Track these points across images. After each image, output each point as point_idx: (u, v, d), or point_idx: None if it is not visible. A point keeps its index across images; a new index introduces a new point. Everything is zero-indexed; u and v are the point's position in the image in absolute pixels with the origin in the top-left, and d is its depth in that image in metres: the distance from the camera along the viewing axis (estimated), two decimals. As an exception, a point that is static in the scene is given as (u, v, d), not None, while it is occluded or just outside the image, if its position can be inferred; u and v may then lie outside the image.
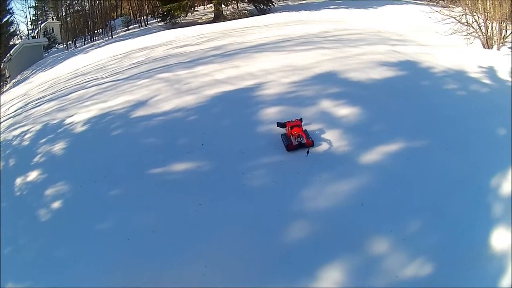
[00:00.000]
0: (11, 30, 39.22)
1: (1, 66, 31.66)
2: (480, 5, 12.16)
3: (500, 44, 11.69)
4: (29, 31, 47.77)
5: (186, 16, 32.39)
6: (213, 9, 32.65)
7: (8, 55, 32.91)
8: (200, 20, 32.20)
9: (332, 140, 6.10)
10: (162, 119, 7.77)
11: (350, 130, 6.32)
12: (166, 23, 31.95)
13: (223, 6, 31.42)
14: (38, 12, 49.71)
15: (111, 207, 5.51)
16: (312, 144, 5.98)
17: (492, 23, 11.82)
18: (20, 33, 45.04)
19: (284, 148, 6.07)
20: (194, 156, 6.22)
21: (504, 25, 11.70)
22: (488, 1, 11.95)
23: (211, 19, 31.06)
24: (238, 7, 33.87)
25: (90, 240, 4.98)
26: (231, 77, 9.39)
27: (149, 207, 5.31)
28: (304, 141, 5.94)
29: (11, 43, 37.56)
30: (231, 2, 31.72)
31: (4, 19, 35.18)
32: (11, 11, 37.49)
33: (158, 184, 5.78)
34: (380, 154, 5.67)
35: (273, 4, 31.44)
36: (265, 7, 30.52)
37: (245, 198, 5.17)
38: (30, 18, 50.36)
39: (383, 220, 4.53)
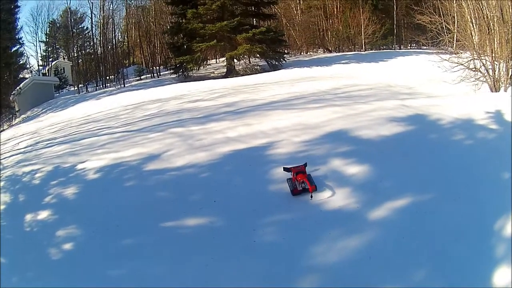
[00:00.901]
0: (21, 62, 39.61)
1: (10, 98, 31.88)
2: (487, 48, 12.39)
3: (508, 85, 11.86)
4: (40, 67, 48.20)
5: (198, 69, 32.53)
6: (225, 63, 33.02)
7: (18, 88, 33.18)
8: (212, 74, 32.40)
9: (342, 198, 6.24)
10: (175, 174, 7.90)
11: (359, 187, 6.46)
12: (178, 75, 32.08)
13: (235, 60, 31.61)
14: (49, 49, 50.17)
15: (123, 256, 5.64)
16: (315, 189, 6.50)
17: (500, 63, 12.02)
18: (30, 67, 45.58)
19: (296, 208, 6.23)
20: (206, 212, 6.34)
21: (511, 64, 11.90)
22: (495, 41, 12.19)
23: (223, 74, 31.34)
24: (250, 62, 34.07)
25: (101, 284, 5.10)
26: (243, 135, 9.55)
27: (161, 259, 5.43)
28: (308, 186, 6.48)
29: (20, 76, 37.89)
30: (243, 57, 31.87)
31: (14, 49, 35.57)
32: (21, 41, 37.97)
33: (171, 237, 5.90)
34: (388, 209, 5.81)
35: (284, 60, 31.63)
36: (277, 63, 30.71)
37: (256, 254, 5.28)
38: (41, 53, 50.86)
39: (391, 271, 4.67)
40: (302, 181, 6.59)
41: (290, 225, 5.80)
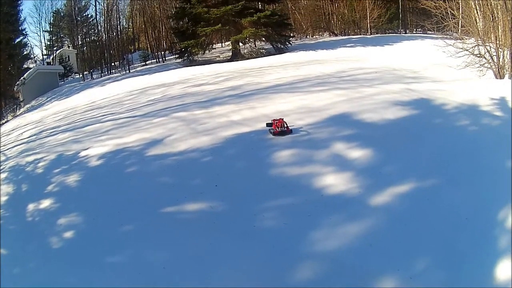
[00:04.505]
0: (25, 53, 39.67)
1: (14, 89, 31.90)
2: (492, 34, 12.32)
3: (512, 72, 11.74)
4: (44, 56, 48.03)
5: (203, 53, 32.54)
6: (230, 47, 32.87)
7: (22, 78, 33.16)
8: (217, 58, 32.33)
9: (344, 182, 6.16)
10: (177, 158, 7.88)
11: (361, 172, 6.38)
12: (183, 60, 32.05)
13: (240, 44, 31.44)
14: (53, 38, 50.08)
15: (124, 242, 5.60)
16: (291, 132, 8.20)
17: (504, 51, 11.95)
18: (34, 56, 45.49)
19: (297, 192, 6.14)
20: (207, 197, 6.30)
21: (515, 51, 11.79)
22: (499, 29, 12.11)
23: (228, 57, 31.26)
24: (255, 46, 33.96)
25: (101, 271, 5.08)
26: (247, 118, 9.57)
27: (161, 244, 5.39)
28: (285, 128, 8.19)
29: (25, 66, 37.93)
30: (248, 40, 31.73)
31: (17, 40, 35.61)
32: (24, 32, 38.04)
33: (171, 222, 5.87)
34: (390, 195, 5.72)
35: (290, 43, 31.53)
36: (282, 46, 30.59)
37: (256, 239, 5.21)
38: (45, 43, 50.70)
39: (391, 260, 4.57)
40: (281, 124, 8.17)
41: (290, 209, 5.72)
